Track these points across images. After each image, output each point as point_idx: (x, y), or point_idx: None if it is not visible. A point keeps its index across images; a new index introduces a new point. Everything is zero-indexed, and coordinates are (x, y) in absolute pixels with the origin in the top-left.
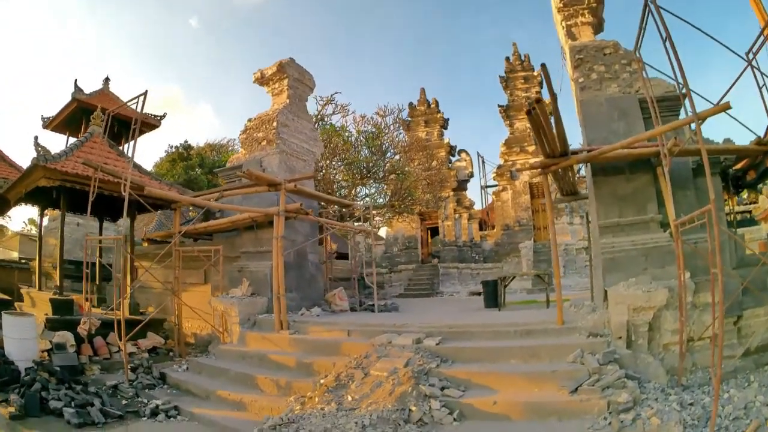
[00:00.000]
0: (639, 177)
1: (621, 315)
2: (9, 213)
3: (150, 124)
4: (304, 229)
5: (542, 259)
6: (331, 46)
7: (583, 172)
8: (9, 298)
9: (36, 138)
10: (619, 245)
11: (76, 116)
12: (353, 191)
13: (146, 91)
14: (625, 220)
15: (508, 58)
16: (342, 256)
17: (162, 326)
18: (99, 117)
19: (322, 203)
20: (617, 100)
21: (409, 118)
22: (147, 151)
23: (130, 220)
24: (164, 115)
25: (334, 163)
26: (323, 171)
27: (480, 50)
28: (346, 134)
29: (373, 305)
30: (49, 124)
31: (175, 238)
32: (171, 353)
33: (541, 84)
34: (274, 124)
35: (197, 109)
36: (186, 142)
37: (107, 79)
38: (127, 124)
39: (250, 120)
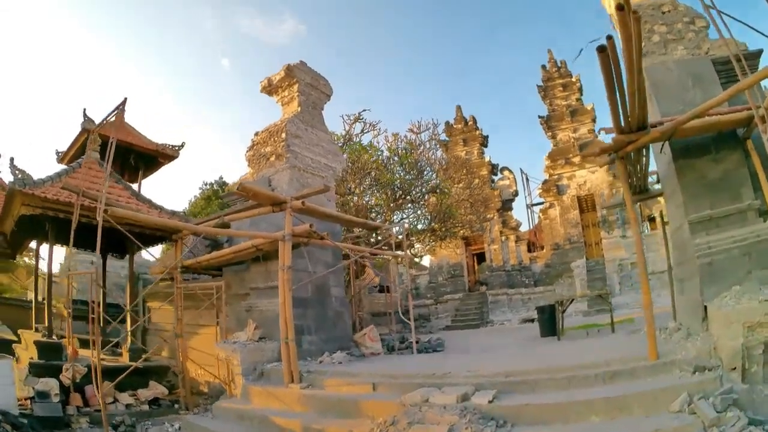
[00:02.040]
0: (727, 156)
1: (733, 338)
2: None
3: (167, 155)
4: (325, 257)
5: (597, 277)
6: (361, 72)
7: (652, 164)
8: (15, 339)
9: (12, 159)
10: (716, 244)
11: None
12: (389, 216)
13: (125, 98)
14: (719, 211)
15: (544, 66)
16: (386, 289)
17: (167, 374)
18: (96, 141)
19: (349, 227)
20: (688, 63)
21: (447, 138)
22: (179, 190)
23: (129, 254)
24: (182, 145)
25: (364, 185)
26: (353, 194)
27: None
28: (378, 153)
29: (413, 343)
30: (63, 157)
31: (175, 273)
32: (177, 405)
33: (580, 90)
34: (283, 135)
35: (233, 147)
36: (221, 178)
37: (123, 109)
38: (145, 157)
39: (257, 133)
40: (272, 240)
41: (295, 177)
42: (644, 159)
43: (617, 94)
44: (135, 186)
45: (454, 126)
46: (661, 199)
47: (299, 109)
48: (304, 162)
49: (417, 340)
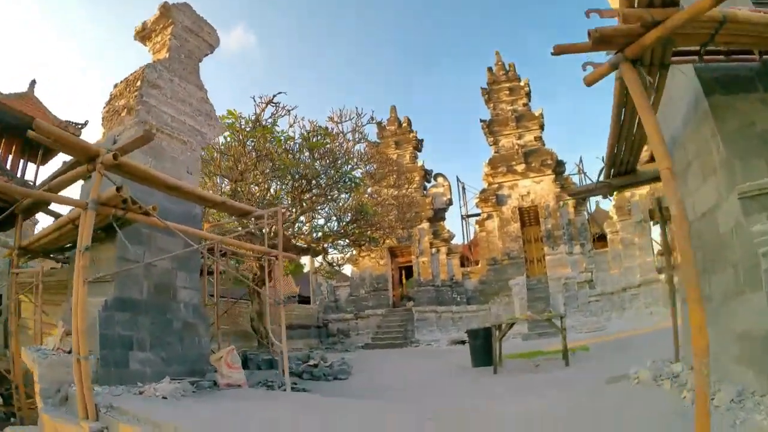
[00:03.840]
0: None
1: None
2: None
3: (69, 132)
4: (173, 247)
5: (538, 296)
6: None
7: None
8: None
9: None
10: None
11: None
12: (293, 211)
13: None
14: None
15: (490, 69)
16: (305, 300)
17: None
18: None
19: (207, 206)
20: None
21: (379, 140)
22: None
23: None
24: (86, 123)
25: (260, 171)
26: (245, 182)
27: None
28: (283, 134)
29: (316, 367)
30: None
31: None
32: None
33: (528, 95)
34: (138, 83)
35: None
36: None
37: (33, 82)
38: None
39: (116, 85)
40: (78, 209)
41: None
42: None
43: None
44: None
45: (387, 127)
46: (614, 214)
47: (167, 55)
48: (161, 119)
49: (316, 363)
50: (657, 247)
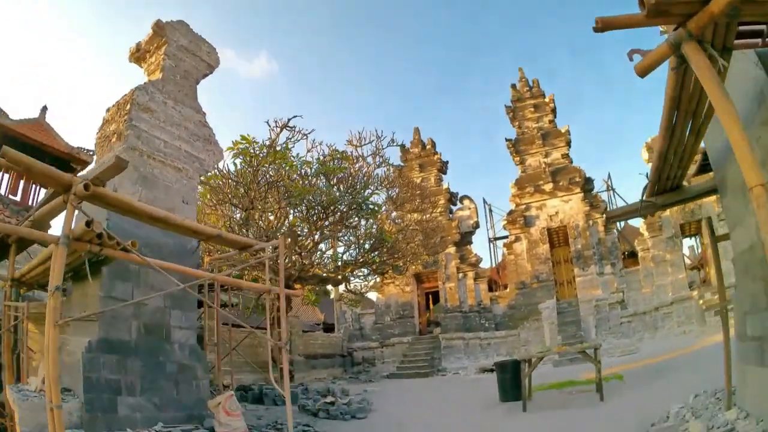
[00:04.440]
0: None
1: None
2: None
3: (81, 160)
4: (166, 284)
5: (569, 320)
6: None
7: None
8: None
9: None
10: None
11: None
12: (307, 243)
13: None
14: None
15: (514, 86)
16: (330, 327)
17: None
18: None
19: (202, 240)
20: None
21: (402, 163)
22: None
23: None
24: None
25: (274, 199)
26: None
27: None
28: (300, 162)
29: (333, 404)
30: None
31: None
32: None
33: (554, 111)
34: (128, 107)
35: None
36: None
37: (45, 108)
38: (61, 162)
39: (108, 109)
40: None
41: (135, 164)
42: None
43: None
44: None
45: (411, 150)
46: (644, 231)
47: (161, 75)
48: (152, 145)
49: (333, 401)
50: (688, 262)
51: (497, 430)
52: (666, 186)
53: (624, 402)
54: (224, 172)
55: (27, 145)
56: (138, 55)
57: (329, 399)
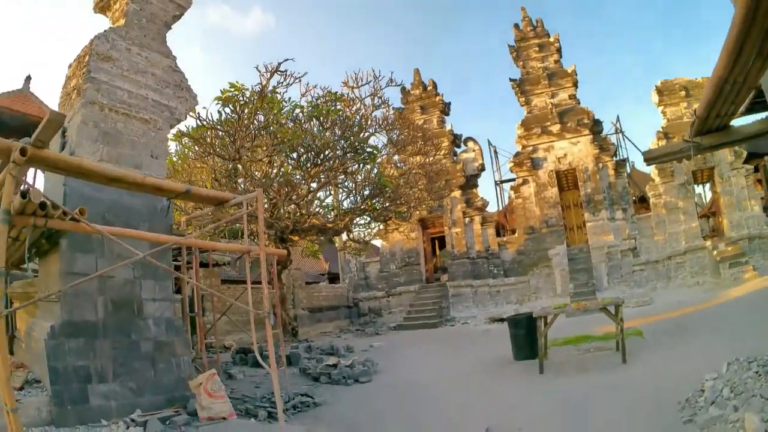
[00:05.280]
0: None
1: None
2: None
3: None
4: (136, 253)
5: (580, 267)
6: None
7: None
8: None
9: None
10: None
11: None
12: (305, 190)
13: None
14: None
15: (517, 25)
16: (335, 277)
17: None
18: None
19: (169, 197)
20: None
21: (403, 105)
22: None
23: None
24: None
25: (264, 147)
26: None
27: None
28: (290, 106)
29: (335, 367)
30: None
31: None
32: None
33: (559, 51)
34: (87, 58)
35: None
36: None
37: (29, 78)
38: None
39: (70, 65)
40: None
41: (95, 119)
42: None
43: None
44: None
45: (411, 91)
46: (656, 177)
47: (123, 21)
48: (115, 96)
49: (336, 363)
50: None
51: (515, 399)
52: (712, 125)
53: (648, 367)
54: (207, 121)
55: (11, 117)
56: (102, 5)
57: (332, 361)
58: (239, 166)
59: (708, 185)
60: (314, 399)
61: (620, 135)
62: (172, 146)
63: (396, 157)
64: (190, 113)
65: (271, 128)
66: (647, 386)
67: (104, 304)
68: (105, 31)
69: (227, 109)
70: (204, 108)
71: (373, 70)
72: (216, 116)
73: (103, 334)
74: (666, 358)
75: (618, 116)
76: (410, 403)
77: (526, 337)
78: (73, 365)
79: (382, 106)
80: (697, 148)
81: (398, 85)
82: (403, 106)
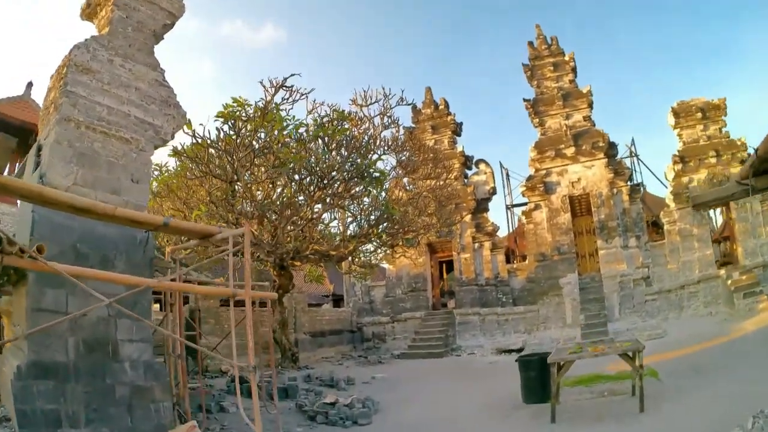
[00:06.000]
0: None
1: None
2: None
3: None
4: (114, 289)
5: (591, 297)
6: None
7: None
8: None
9: None
10: None
11: None
12: (308, 213)
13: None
14: None
15: (531, 43)
16: (339, 299)
17: None
18: None
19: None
20: None
21: (414, 125)
22: None
23: None
24: None
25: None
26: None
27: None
28: (294, 124)
29: (333, 406)
30: None
31: None
32: None
33: (574, 70)
34: (65, 70)
35: None
36: None
37: (30, 84)
38: None
39: (52, 77)
40: None
41: (69, 138)
42: None
43: None
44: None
45: (422, 110)
46: (671, 202)
47: (107, 29)
48: (93, 113)
49: (334, 402)
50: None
51: None
52: (766, 166)
53: (668, 418)
54: (204, 138)
55: (9, 125)
56: (89, 11)
57: (330, 399)
58: (238, 186)
59: (719, 209)
60: None
61: (635, 158)
62: (171, 162)
63: (405, 180)
64: (186, 131)
65: (273, 148)
66: None
67: (75, 345)
68: (86, 39)
69: (225, 127)
70: (201, 125)
71: (383, 88)
72: (214, 134)
73: (74, 377)
74: (686, 407)
75: (633, 139)
76: None
77: (537, 379)
78: (42, 408)
79: (392, 125)
80: (752, 190)
81: (409, 104)
82: (413, 125)
